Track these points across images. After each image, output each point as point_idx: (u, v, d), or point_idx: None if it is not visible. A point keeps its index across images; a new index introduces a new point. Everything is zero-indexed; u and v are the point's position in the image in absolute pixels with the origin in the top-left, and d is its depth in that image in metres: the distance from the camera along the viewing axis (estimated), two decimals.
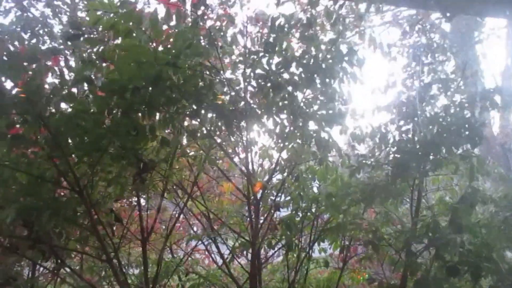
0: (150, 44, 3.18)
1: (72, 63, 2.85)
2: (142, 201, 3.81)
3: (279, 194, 3.84)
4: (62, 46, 2.71)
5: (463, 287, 2.78)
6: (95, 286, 3.35)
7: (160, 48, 3.14)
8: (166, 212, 4.42)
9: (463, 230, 2.55)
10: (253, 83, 3.20)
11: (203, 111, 3.12)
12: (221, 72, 3.13)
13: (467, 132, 2.87)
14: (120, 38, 3.22)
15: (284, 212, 3.97)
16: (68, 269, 3.79)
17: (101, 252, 3.05)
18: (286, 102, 3.35)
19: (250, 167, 3.47)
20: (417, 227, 2.97)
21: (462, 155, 3.14)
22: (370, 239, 3.05)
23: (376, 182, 3.23)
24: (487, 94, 3.28)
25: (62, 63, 2.85)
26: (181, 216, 4.56)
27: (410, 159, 3.12)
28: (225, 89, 3.24)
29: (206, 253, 4.86)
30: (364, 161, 3.42)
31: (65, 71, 2.75)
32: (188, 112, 3.12)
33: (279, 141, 3.49)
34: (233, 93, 3.25)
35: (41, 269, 4.04)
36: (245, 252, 4.09)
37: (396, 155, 3.30)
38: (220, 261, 4.45)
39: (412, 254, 2.82)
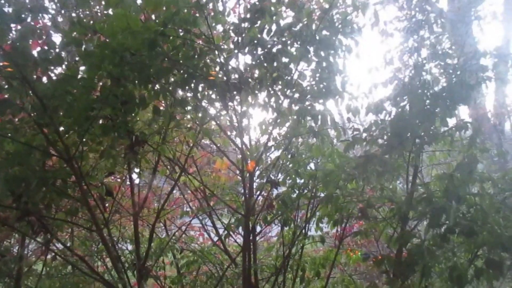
0: (142, 13, 3.11)
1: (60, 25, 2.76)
2: (134, 176, 3.76)
3: (276, 171, 3.78)
4: (49, 5, 2.61)
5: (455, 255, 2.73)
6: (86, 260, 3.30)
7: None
8: (160, 189, 4.37)
9: (459, 200, 2.49)
10: (246, 51, 3.10)
11: (194, 81, 3.03)
12: (212, 41, 3.03)
13: (460, 93, 2.79)
14: (110, 9, 3.14)
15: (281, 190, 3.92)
16: (58, 246, 3.76)
17: (91, 223, 2.99)
18: (280, 73, 3.27)
19: (244, 141, 3.41)
20: (412, 198, 2.91)
21: (457, 125, 3.08)
22: (362, 208, 2.99)
23: (370, 155, 3.16)
24: (483, 68, 3.21)
25: (48, 24, 2.75)
26: (177, 193, 4.52)
27: (404, 129, 3.05)
28: (217, 60, 3.15)
29: (201, 230, 4.84)
30: (358, 136, 3.35)
31: (52, 33, 2.65)
32: (179, 83, 3.04)
33: (274, 114, 3.42)
34: (225, 63, 3.16)
35: (31, 247, 4.00)
36: (240, 230, 4.05)
37: (391, 127, 3.21)
38: (215, 239, 4.42)
39: (406, 222, 2.76)
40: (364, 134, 3.19)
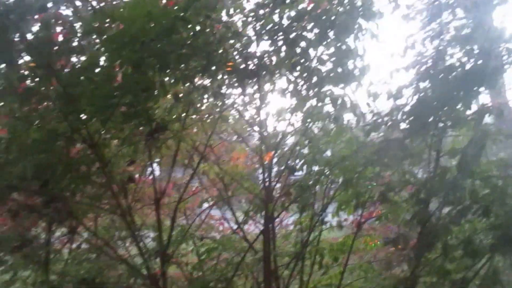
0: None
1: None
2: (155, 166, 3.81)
3: (293, 158, 3.79)
4: None
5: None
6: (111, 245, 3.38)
7: None
8: (181, 178, 4.42)
9: (472, 174, 2.48)
10: (265, 37, 3.10)
11: (213, 68, 3.05)
12: (232, 27, 3.05)
13: (484, 76, 2.75)
14: None
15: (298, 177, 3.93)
16: (83, 235, 3.86)
17: (116, 208, 3.05)
18: (299, 59, 3.26)
19: (263, 127, 3.43)
20: (433, 180, 2.88)
21: (481, 109, 3.03)
22: (383, 191, 2.99)
23: (391, 139, 3.13)
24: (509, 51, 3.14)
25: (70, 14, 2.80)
26: (196, 183, 4.57)
27: (427, 113, 3.01)
28: (237, 46, 3.17)
29: (221, 220, 4.90)
30: (380, 120, 3.32)
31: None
32: (199, 69, 3.06)
33: (293, 100, 3.42)
34: (244, 50, 3.17)
35: (57, 234, 4.08)
36: (258, 218, 4.08)
37: (413, 111, 3.18)
38: (235, 228, 4.46)
39: (427, 204, 2.75)
40: (386, 118, 3.16)
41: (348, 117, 3.80)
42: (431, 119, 3.08)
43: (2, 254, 3.62)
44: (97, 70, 2.64)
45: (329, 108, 3.57)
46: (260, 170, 3.69)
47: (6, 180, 2.64)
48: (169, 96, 3.45)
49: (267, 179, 3.52)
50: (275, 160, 3.72)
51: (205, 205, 4.94)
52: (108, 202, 3.26)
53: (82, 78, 2.58)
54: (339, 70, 3.35)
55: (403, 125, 3.31)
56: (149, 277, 3.16)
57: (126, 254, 4.21)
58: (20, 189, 2.78)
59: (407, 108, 3.28)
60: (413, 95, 3.32)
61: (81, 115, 2.71)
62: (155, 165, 3.96)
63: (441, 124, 3.14)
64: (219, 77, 3.21)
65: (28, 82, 2.68)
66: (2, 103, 2.66)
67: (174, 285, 3.82)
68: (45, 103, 2.73)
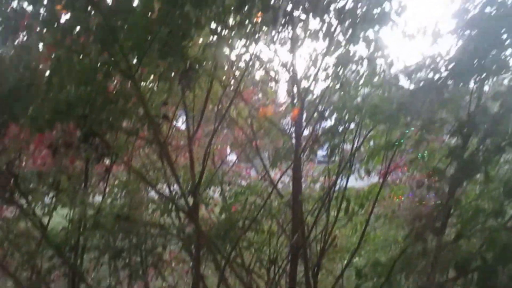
0: None
1: None
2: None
3: (323, 104, 3.80)
4: None
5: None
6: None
7: None
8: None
9: None
10: None
11: (248, 5, 3.04)
12: None
13: None
14: None
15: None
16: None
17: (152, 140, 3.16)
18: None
19: (295, 70, 3.43)
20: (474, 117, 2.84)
21: None
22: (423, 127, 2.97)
23: (431, 82, 3.07)
24: None
25: None
26: (225, 132, 4.66)
27: (471, 58, 2.92)
28: None
29: (247, 170, 5.01)
30: (421, 63, 3.24)
31: None
32: (234, 7, 3.05)
33: (326, 41, 3.39)
34: None
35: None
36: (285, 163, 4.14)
37: (456, 55, 3.08)
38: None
39: (467, 140, 2.73)
40: (428, 62, 3.09)
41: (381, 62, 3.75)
42: (475, 64, 2.99)
43: (43, 190, 3.83)
44: (136, 2, 2.66)
45: (362, 53, 3.53)
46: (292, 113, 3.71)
47: (52, 107, 2.74)
48: (201, 39, 3.49)
49: (298, 122, 3.54)
50: (305, 104, 3.74)
51: (233, 156, 5.06)
52: (144, 137, 3.36)
53: (122, 7, 2.61)
54: (374, 11, 3.28)
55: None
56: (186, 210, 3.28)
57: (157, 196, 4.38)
58: (65, 116, 2.87)
59: (451, 53, 3.20)
60: (458, 41, 3.22)
61: (122, 46, 2.75)
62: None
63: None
64: (253, 16, 3.20)
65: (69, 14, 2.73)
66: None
67: (203, 224, 3.96)
68: (86, 35, 2.78)
